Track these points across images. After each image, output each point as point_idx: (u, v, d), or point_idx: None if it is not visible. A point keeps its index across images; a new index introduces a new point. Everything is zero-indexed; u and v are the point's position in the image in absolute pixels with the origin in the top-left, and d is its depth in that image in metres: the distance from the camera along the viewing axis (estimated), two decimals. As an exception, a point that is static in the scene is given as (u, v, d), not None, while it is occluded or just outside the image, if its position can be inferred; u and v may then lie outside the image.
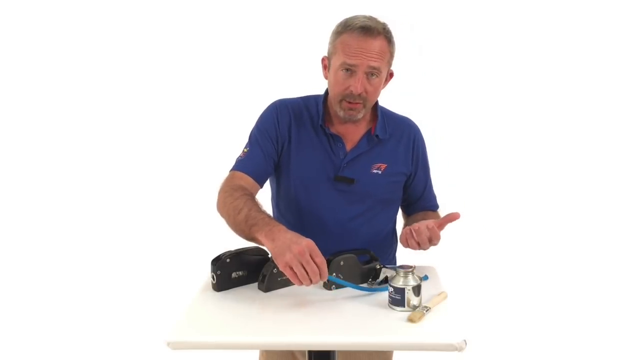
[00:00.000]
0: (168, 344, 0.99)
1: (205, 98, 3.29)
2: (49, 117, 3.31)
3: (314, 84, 1.53)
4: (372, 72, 1.32)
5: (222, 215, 1.33)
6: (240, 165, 1.40)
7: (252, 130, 1.47)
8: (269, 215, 1.24)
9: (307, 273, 1.09)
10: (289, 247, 1.10)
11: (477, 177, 3.19)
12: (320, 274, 1.10)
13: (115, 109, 3.33)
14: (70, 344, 2.66)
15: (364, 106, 1.36)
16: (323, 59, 1.42)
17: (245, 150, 1.43)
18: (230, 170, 1.41)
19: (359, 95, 1.33)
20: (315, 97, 1.48)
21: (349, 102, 1.34)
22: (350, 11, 1.41)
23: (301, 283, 1.10)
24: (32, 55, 3.25)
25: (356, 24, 1.31)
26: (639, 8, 3.12)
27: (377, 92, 1.38)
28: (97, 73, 3.29)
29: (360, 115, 1.38)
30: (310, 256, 1.09)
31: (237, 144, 1.54)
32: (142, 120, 3.31)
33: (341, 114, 1.37)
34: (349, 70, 1.32)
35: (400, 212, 1.59)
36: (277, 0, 3.15)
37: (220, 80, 3.27)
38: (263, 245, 1.20)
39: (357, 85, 1.31)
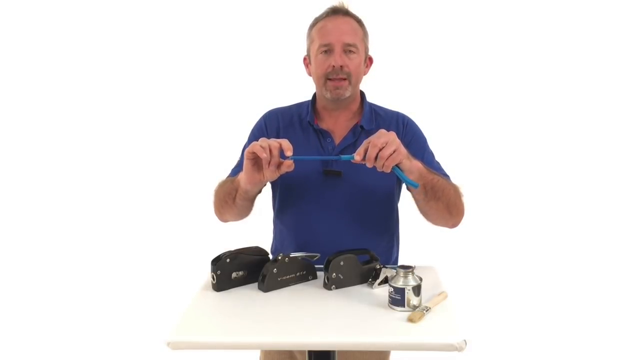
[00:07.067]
0: (168, 344, 0.99)
1: (206, 99, 3.29)
2: (48, 119, 3.31)
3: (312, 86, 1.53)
4: (349, 49, 1.38)
5: (218, 205, 1.42)
6: (232, 172, 1.48)
7: (245, 144, 1.52)
8: None
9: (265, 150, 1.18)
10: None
11: (477, 177, 3.18)
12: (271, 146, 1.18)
13: (116, 110, 3.33)
14: (70, 344, 2.67)
15: (349, 82, 1.39)
16: (304, 59, 1.49)
17: (238, 161, 1.50)
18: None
19: (342, 69, 1.37)
20: (307, 102, 1.51)
21: (333, 80, 1.38)
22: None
23: (265, 156, 1.17)
24: (31, 56, 3.25)
25: (325, 11, 1.42)
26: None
27: (358, 69, 1.41)
28: (93, 76, 3.29)
29: (347, 93, 1.40)
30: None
31: (236, 144, 1.55)
32: (141, 121, 3.31)
33: (328, 95, 1.40)
34: (327, 50, 1.38)
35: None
36: (278, 3, 3.16)
37: (220, 81, 3.27)
38: (250, 189, 1.29)
39: (336, 58, 1.37)
